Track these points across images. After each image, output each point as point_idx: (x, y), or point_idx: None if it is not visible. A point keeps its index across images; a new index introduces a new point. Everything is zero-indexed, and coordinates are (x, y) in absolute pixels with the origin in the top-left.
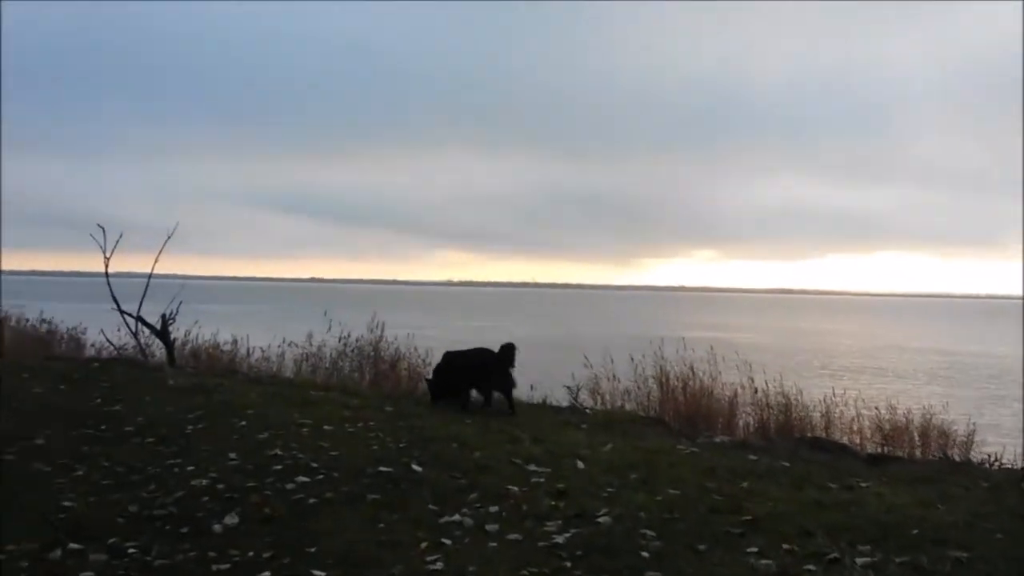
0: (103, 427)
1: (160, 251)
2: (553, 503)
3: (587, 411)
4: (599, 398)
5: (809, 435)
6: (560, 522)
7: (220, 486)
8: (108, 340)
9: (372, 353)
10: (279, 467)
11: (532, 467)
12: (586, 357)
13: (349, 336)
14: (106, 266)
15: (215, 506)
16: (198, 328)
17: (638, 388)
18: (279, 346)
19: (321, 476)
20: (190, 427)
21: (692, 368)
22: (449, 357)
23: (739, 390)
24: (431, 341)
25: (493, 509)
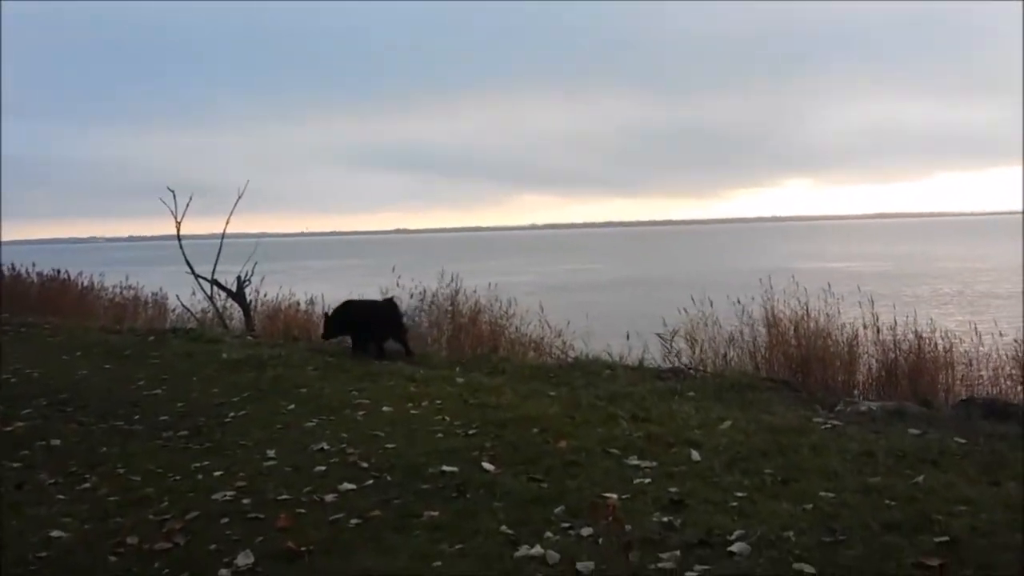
0: (136, 417)
1: (231, 211)
2: (666, 519)
3: (693, 372)
4: (698, 347)
5: (979, 395)
6: (678, 552)
7: (246, 501)
8: (184, 305)
9: (450, 307)
10: (322, 468)
11: (634, 460)
12: (692, 298)
13: (424, 292)
14: (178, 229)
15: (232, 533)
16: (279, 288)
17: (742, 334)
18: None
19: (371, 481)
20: (231, 414)
21: (807, 307)
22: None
23: (861, 331)
24: (514, 289)
25: (586, 532)
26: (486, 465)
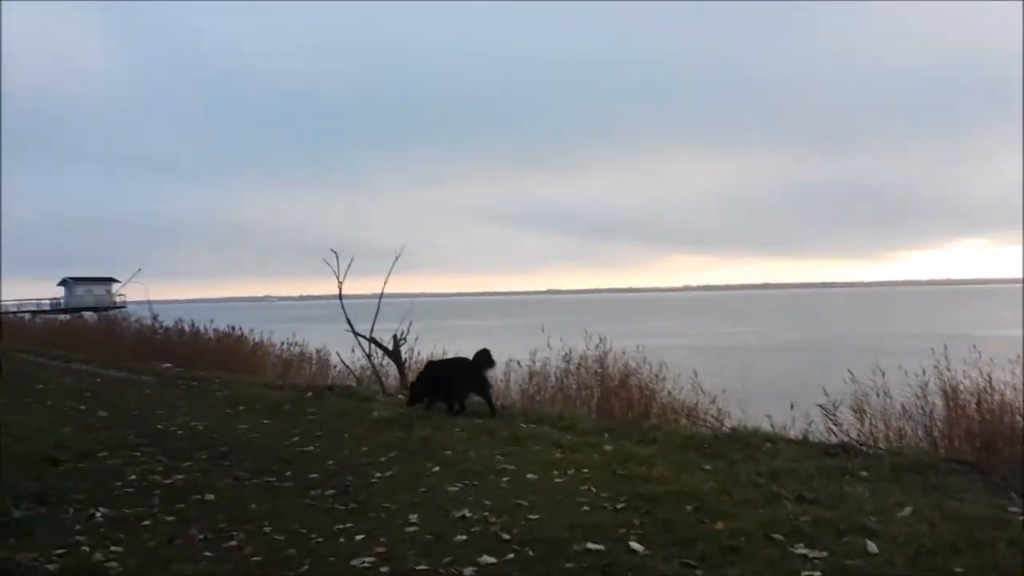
0: (287, 473)
1: (389, 272)
2: None
3: (864, 448)
4: (867, 420)
5: None
6: None
7: (384, 569)
8: (344, 362)
9: (599, 370)
10: (463, 537)
11: (800, 549)
12: (857, 367)
13: (570, 352)
14: (339, 288)
15: None
16: (433, 346)
17: (917, 407)
18: (505, 363)
19: (511, 555)
20: (377, 475)
21: (989, 378)
22: (430, 365)
23: None
24: (667, 352)
25: None
26: (634, 545)
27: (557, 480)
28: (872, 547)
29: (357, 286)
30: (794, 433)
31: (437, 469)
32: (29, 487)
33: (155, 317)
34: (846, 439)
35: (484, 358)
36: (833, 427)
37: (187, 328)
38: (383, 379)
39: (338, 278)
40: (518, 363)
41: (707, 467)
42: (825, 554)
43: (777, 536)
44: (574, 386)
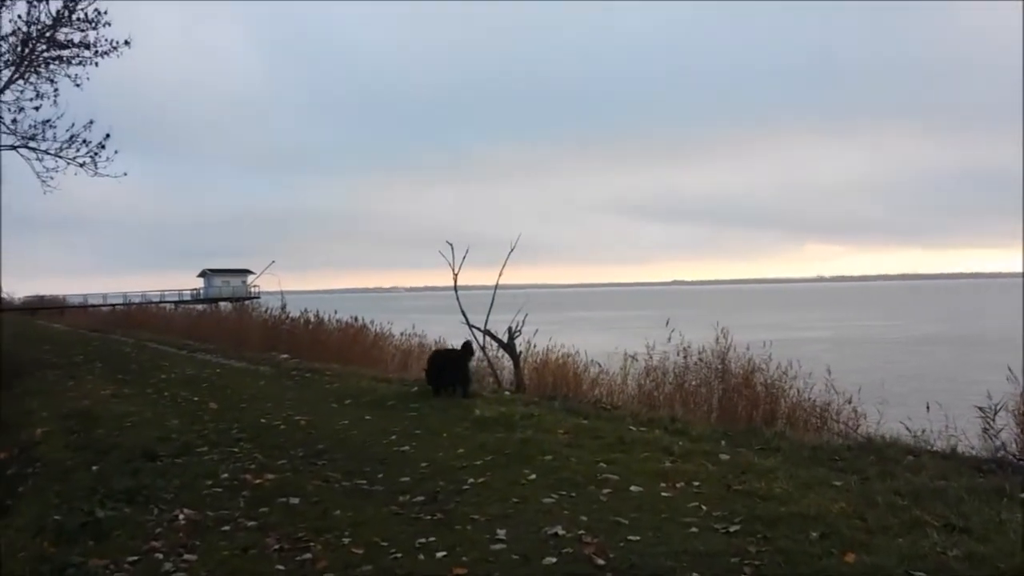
0: (379, 475)
1: (504, 263)
2: None
3: None
4: None
5: None
6: None
7: None
8: None
9: (719, 366)
10: (552, 560)
11: None
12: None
13: (687, 348)
14: (455, 280)
15: None
16: (549, 339)
17: None
18: (623, 356)
19: None
20: (469, 481)
21: None
22: (432, 355)
23: None
24: (796, 346)
25: None
26: None
27: (664, 494)
28: None
29: (484, 276)
30: (940, 444)
31: (533, 476)
32: (122, 484)
33: (283, 307)
34: (1004, 453)
35: (466, 350)
36: (989, 437)
37: (312, 319)
38: (498, 372)
39: (453, 270)
40: (634, 358)
41: (837, 483)
42: None
43: (919, 574)
44: (694, 383)
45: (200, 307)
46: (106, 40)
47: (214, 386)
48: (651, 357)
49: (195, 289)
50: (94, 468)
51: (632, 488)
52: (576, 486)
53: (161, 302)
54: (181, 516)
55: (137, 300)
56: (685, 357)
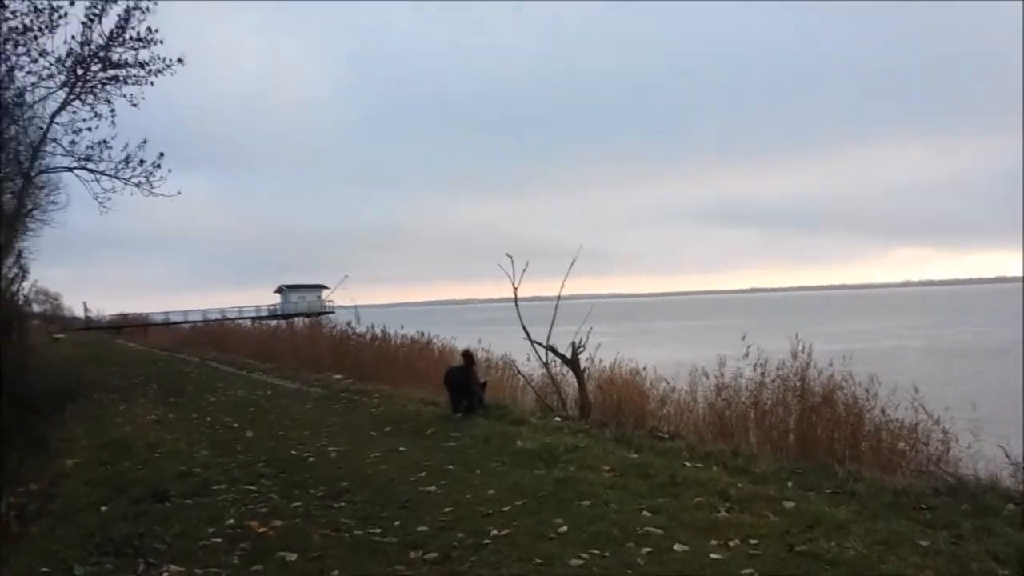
0: (396, 523)
1: (567, 273)
2: None
3: None
4: None
5: None
6: None
7: None
8: (519, 372)
9: (798, 384)
10: None
11: None
12: None
13: (766, 363)
14: (515, 293)
15: None
16: (616, 353)
17: None
18: (689, 373)
19: None
20: (492, 533)
21: None
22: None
23: None
24: (885, 356)
25: None
26: None
27: (713, 555)
28: None
29: (554, 288)
30: None
31: (565, 529)
32: (120, 530)
33: (348, 323)
34: None
35: (467, 359)
36: None
37: (377, 334)
38: (561, 389)
39: (513, 283)
40: (705, 374)
41: (923, 543)
42: None
43: None
44: (769, 402)
45: (273, 323)
46: (159, 58)
47: (259, 410)
48: (722, 374)
49: (272, 305)
50: (103, 509)
51: (676, 547)
52: (612, 542)
53: (238, 319)
54: (166, 574)
55: (215, 317)
56: (763, 374)
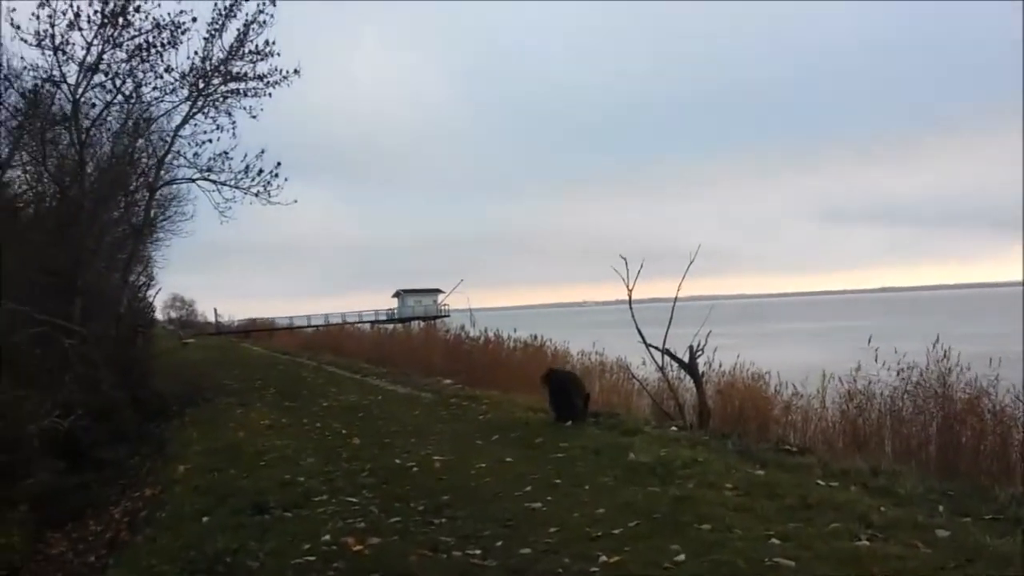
0: (498, 544)
1: (684, 275)
2: None
3: None
4: None
5: None
6: None
7: None
8: (635, 377)
9: (940, 390)
10: None
11: None
12: None
13: (907, 368)
14: (629, 295)
15: None
16: (737, 356)
17: None
18: (820, 376)
19: None
20: (601, 559)
21: None
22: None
23: None
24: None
25: None
26: None
27: None
28: None
29: (680, 288)
30: None
31: (682, 557)
32: (213, 546)
33: (462, 327)
34: None
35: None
36: None
37: (491, 337)
38: (678, 396)
39: (627, 285)
40: (839, 379)
41: None
42: None
43: None
44: (908, 410)
45: (390, 327)
46: (277, 70)
47: (368, 416)
48: (855, 380)
49: (390, 309)
50: (204, 519)
51: None
52: (736, 574)
53: (357, 323)
54: None
55: (336, 321)
56: (905, 379)
